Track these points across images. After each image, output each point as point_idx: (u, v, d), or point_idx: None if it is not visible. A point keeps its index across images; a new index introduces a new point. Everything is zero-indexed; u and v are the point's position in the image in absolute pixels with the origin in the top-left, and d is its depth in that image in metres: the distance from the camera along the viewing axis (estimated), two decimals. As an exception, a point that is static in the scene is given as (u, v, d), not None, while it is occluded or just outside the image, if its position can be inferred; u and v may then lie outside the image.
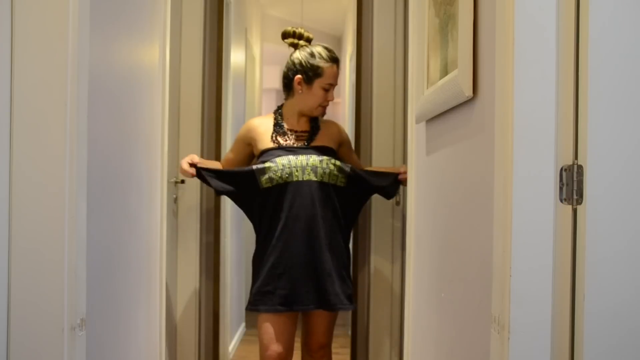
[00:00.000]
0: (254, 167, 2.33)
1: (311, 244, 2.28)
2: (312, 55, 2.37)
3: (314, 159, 2.30)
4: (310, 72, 2.36)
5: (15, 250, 1.32)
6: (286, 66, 2.43)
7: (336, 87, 2.44)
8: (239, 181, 2.36)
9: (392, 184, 2.45)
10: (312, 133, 2.42)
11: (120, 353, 1.86)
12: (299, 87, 2.39)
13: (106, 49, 1.67)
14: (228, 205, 3.31)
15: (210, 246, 2.95)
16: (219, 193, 2.48)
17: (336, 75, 2.40)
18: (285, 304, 2.27)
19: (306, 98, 2.39)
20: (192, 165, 2.39)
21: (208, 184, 2.42)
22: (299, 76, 2.38)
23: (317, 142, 2.40)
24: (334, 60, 2.39)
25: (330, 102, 2.42)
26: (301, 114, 2.43)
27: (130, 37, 1.92)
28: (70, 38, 1.33)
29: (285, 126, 2.43)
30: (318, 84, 2.37)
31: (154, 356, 2.30)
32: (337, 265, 2.32)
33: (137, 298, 2.04)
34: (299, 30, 2.46)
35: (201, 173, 2.39)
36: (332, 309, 2.32)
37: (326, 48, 2.40)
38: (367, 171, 2.48)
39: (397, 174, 2.44)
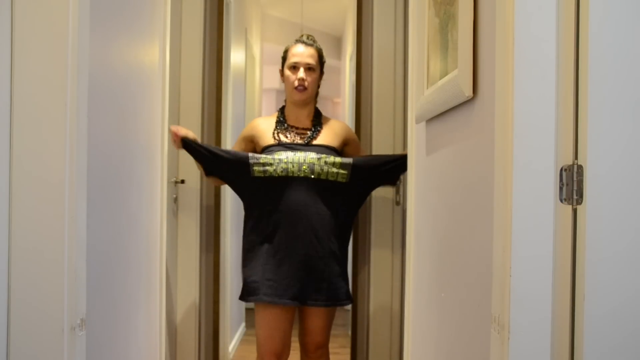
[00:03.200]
0: (250, 154, 2.34)
1: (301, 240, 2.28)
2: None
3: (311, 156, 2.30)
4: (282, 60, 2.49)
5: (15, 250, 1.32)
6: None
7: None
8: (231, 163, 2.35)
9: (399, 164, 2.38)
10: (313, 131, 2.42)
11: (120, 353, 1.86)
12: (281, 78, 2.50)
13: (106, 49, 1.67)
14: (228, 205, 3.31)
15: (210, 246, 2.95)
16: (208, 173, 2.47)
17: (301, 54, 2.41)
18: (272, 296, 2.27)
19: (285, 86, 2.48)
20: (182, 139, 2.38)
21: (197, 159, 2.42)
22: (280, 68, 2.51)
23: (318, 141, 2.40)
24: (299, 40, 2.45)
25: (307, 85, 2.39)
26: (296, 109, 2.44)
27: (130, 37, 1.92)
28: (70, 38, 1.33)
29: (287, 123, 2.44)
30: (286, 67, 2.45)
31: (154, 356, 2.30)
32: (331, 261, 2.31)
33: (137, 298, 2.04)
34: (302, 34, 2.54)
35: (190, 146, 2.38)
36: (321, 305, 2.31)
37: (307, 36, 2.50)
38: (371, 156, 2.46)
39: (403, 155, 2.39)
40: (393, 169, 2.41)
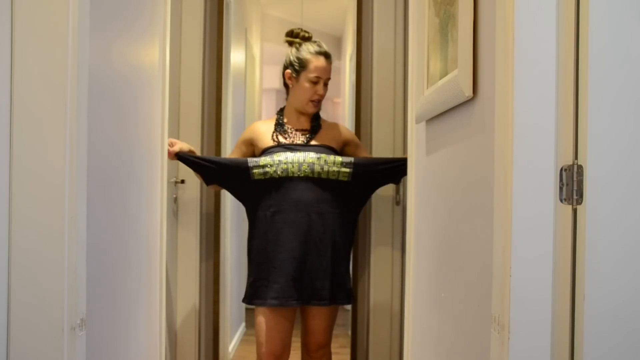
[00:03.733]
0: (249, 159, 2.34)
1: (304, 239, 2.27)
2: (299, 49, 2.42)
3: (311, 156, 2.31)
4: (297, 65, 2.41)
5: (15, 250, 1.32)
6: (283, 64, 2.47)
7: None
8: (230, 169, 2.35)
9: (400, 165, 2.37)
10: (312, 131, 2.43)
11: (120, 353, 1.86)
12: (290, 81, 2.45)
13: (106, 49, 1.67)
14: (228, 205, 3.31)
15: (210, 246, 2.95)
16: (208, 182, 2.45)
17: (324, 69, 2.39)
18: (278, 298, 2.27)
19: (297, 93, 2.43)
20: (176, 154, 2.38)
21: (196, 170, 2.41)
22: (288, 70, 2.44)
23: (317, 141, 2.41)
24: (322, 53, 2.40)
25: (323, 99, 2.41)
26: (298, 112, 2.44)
27: (130, 37, 1.92)
28: (70, 38, 1.33)
29: (286, 125, 2.44)
30: (304, 76, 2.39)
31: (154, 356, 2.30)
32: (332, 261, 2.31)
33: (137, 298, 2.04)
34: (298, 30, 2.49)
35: (184, 159, 2.38)
36: (325, 304, 2.31)
37: (317, 44, 2.43)
38: (373, 158, 2.47)
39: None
40: (395, 168, 2.40)
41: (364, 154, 2.54)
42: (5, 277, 1.32)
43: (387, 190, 2.76)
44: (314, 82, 2.38)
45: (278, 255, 2.28)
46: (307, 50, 2.40)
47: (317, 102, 2.41)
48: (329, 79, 2.42)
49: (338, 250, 2.33)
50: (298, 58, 2.41)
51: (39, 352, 1.32)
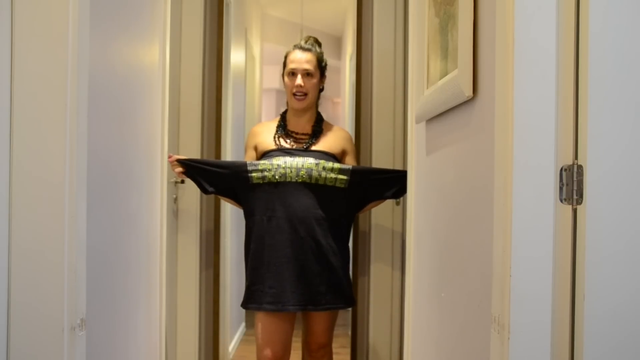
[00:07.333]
0: (248, 162, 2.34)
1: (300, 245, 2.27)
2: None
3: (309, 162, 2.30)
4: (283, 66, 2.47)
5: (15, 250, 1.32)
6: None
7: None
8: (230, 170, 2.35)
9: (398, 176, 2.37)
10: (312, 136, 2.42)
11: (120, 353, 1.86)
12: (283, 84, 2.48)
13: (106, 49, 1.67)
14: (228, 205, 3.31)
15: (210, 246, 2.95)
16: (206, 191, 2.44)
17: (297, 60, 2.39)
18: (274, 304, 2.27)
19: (286, 93, 2.46)
20: (178, 161, 2.38)
21: (197, 175, 2.41)
22: (281, 73, 2.49)
23: (317, 147, 2.39)
24: (297, 45, 2.44)
25: (306, 92, 2.38)
26: (297, 114, 2.44)
27: (130, 37, 1.92)
28: (70, 38, 1.34)
29: (288, 128, 2.44)
30: (285, 74, 2.44)
31: (154, 356, 2.30)
32: (333, 265, 2.31)
33: (137, 298, 2.04)
34: (307, 38, 2.52)
35: (190, 165, 2.38)
36: (321, 309, 2.31)
37: (306, 40, 2.46)
38: (371, 167, 2.46)
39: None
40: (394, 179, 2.39)
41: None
42: (5, 277, 1.32)
43: (387, 190, 2.75)
44: (292, 75, 2.40)
45: (274, 260, 2.28)
46: (290, 47, 2.46)
47: (300, 95, 2.39)
48: (305, 70, 2.38)
49: (335, 255, 2.32)
50: (284, 59, 2.46)
51: (39, 352, 1.32)
